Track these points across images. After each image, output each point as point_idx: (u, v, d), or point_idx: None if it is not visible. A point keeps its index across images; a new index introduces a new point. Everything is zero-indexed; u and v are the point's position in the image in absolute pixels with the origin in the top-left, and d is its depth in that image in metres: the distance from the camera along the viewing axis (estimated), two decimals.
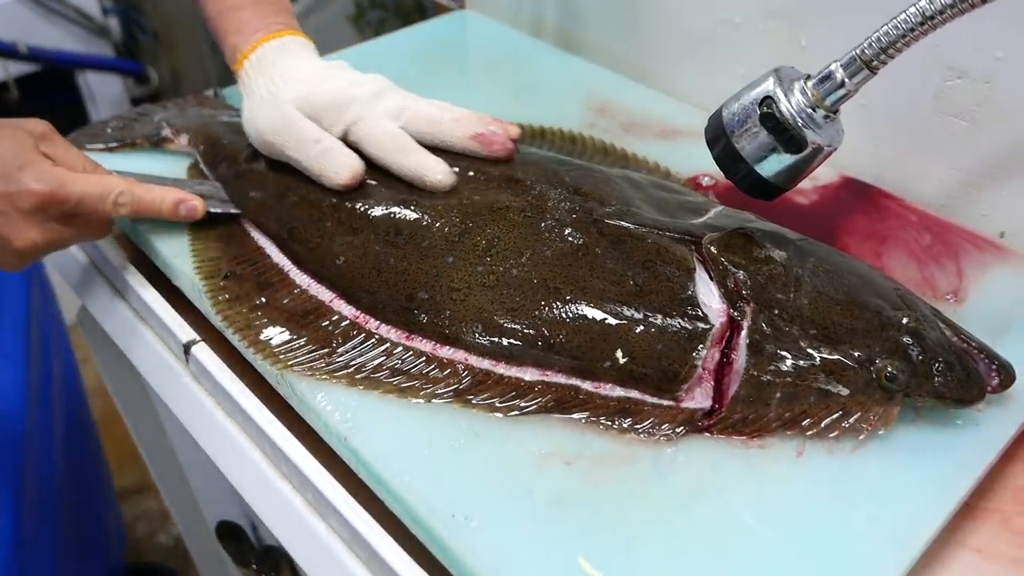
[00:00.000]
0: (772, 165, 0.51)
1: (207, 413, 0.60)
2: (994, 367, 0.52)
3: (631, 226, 0.57)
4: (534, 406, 0.51)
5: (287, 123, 0.63)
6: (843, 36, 0.71)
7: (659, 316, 0.52)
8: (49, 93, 1.86)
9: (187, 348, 0.61)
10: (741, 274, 0.54)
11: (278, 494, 0.55)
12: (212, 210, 0.64)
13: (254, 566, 0.79)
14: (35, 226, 0.57)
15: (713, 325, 0.52)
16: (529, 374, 0.53)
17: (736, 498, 0.46)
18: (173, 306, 0.64)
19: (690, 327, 0.52)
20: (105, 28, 1.86)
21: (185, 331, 0.62)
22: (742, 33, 0.79)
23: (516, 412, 0.51)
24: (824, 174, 0.74)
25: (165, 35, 1.94)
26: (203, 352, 0.60)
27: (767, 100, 0.50)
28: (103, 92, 1.90)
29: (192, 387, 0.62)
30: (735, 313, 0.53)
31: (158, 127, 0.74)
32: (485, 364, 0.54)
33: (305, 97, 0.64)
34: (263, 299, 0.59)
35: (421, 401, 0.52)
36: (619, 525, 0.44)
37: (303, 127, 0.63)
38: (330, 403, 0.52)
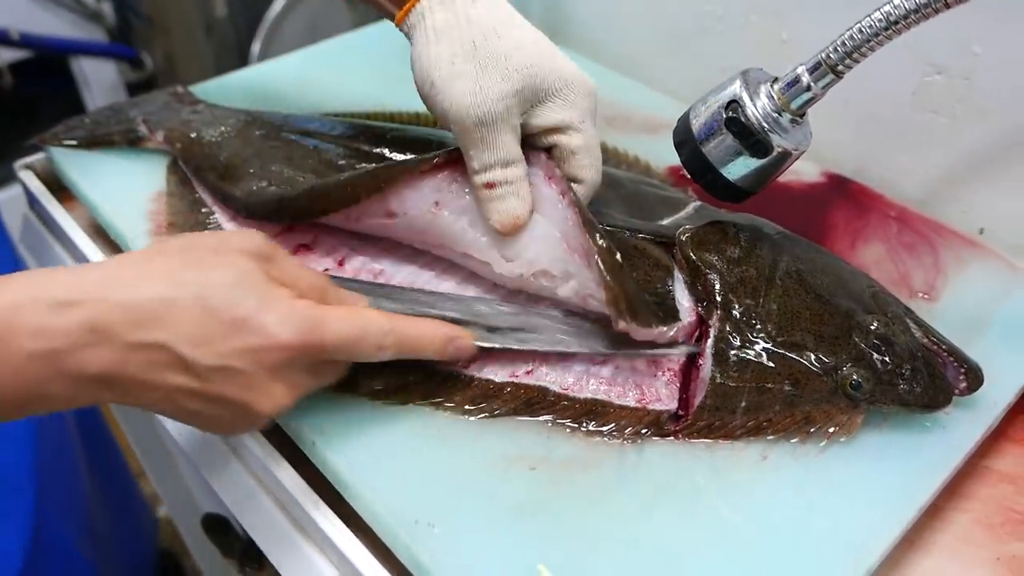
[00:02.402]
0: (738, 169, 0.51)
1: None
2: (962, 370, 0.52)
3: (607, 228, 0.57)
4: (504, 409, 0.52)
5: (487, 123, 0.50)
6: (824, 30, 0.70)
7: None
8: (43, 79, 1.86)
9: None
10: (711, 276, 0.53)
11: (251, 492, 0.55)
12: (482, 344, 0.52)
13: (238, 558, 0.80)
14: (281, 383, 0.44)
15: (682, 320, 0.52)
16: (499, 376, 0.53)
17: (698, 505, 0.46)
18: None
19: (665, 304, 0.52)
20: (98, 13, 1.85)
21: None
22: (724, 26, 0.78)
23: (486, 415, 0.51)
24: (804, 168, 0.74)
25: (159, 20, 1.93)
26: None
27: (733, 104, 0.49)
28: (97, 78, 1.89)
29: None
30: (703, 311, 0.53)
31: (133, 125, 0.74)
32: (456, 366, 0.54)
33: (530, 76, 0.50)
34: None
35: (388, 405, 0.52)
36: (580, 532, 0.45)
37: (505, 141, 0.51)
38: (301, 407, 0.52)
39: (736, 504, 0.46)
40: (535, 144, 0.54)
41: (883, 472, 0.48)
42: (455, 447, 0.49)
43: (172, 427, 0.63)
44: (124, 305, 0.41)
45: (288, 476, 0.52)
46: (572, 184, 0.53)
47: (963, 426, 0.51)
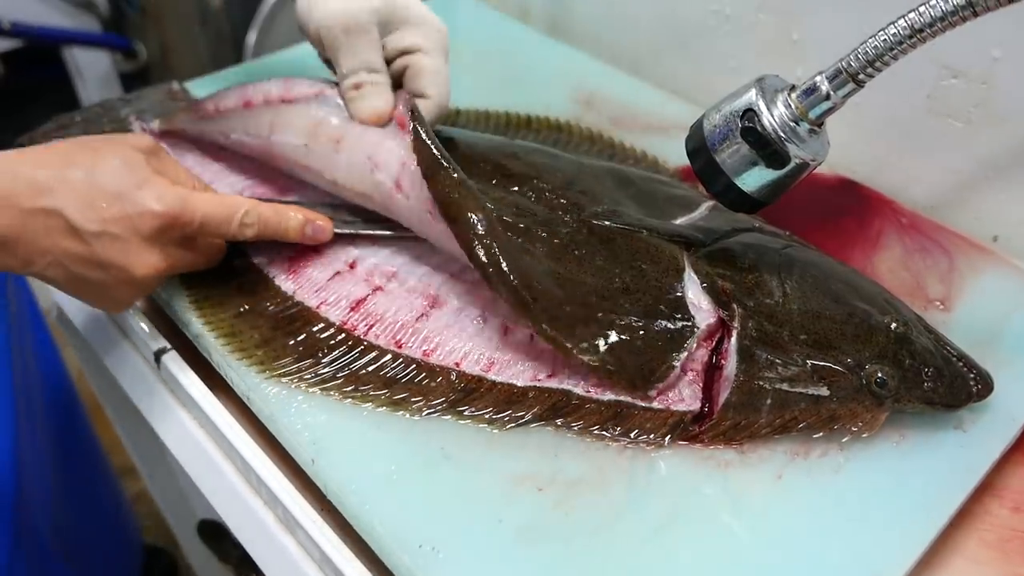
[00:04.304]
0: (754, 179, 0.49)
1: (178, 422, 0.59)
2: (972, 376, 0.51)
3: (620, 227, 0.56)
4: (529, 416, 0.50)
5: (352, 29, 0.57)
6: (835, 31, 0.69)
7: (643, 315, 0.51)
8: (35, 69, 1.83)
9: (158, 356, 0.60)
10: (729, 282, 0.53)
11: (249, 509, 0.54)
12: (338, 230, 0.60)
13: (235, 565, 0.78)
14: (155, 250, 0.52)
15: (699, 326, 0.51)
16: (521, 379, 0.52)
17: (710, 529, 0.45)
18: (146, 312, 0.63)
19: (674, 327, 0.51)
20: (91, 2, 1.83)
21: (156, 339, 0.61)
22: (733, 25, 0.76)
23: (512, 424, 0.50)
24: (816, 171, 0.72)
25: (153, 9, 1.90)
26: (174, 361, 0.59)
27: (749, 113, 0.48)
28: (90, 68, 1.86)
29: (164, 395, 0.61)
30: (725, 314, 0.52)
31: (126, 124, 0.72)
32: (477, 370, 0.52)
33: (390, 2, 0.58)
34: (247, 305, 0.58)
35: (409, 415, 0.51)
36: (590, 557, 0.43)
37: (367, 49, 0.57)
38: (299, 421, 0.51)
39: (750, 527, 0.45)
40: (392, 70, 0.59)
41: (900, 493, 0.47)
42: (461, 466, 0.48)
43: (168, 440, 0.61)
44: (26, 178, 0.48)
45: (285, 491, 0.50)
46: (418, 100, 0.58)
47: (982, 443, 0.50)
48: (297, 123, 0.60)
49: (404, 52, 0.59)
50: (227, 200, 0.55)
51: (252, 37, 1.75)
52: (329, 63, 0.62)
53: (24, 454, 0.89)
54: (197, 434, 0.58)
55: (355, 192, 0.59)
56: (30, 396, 0.98)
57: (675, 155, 0.72)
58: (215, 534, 0.81)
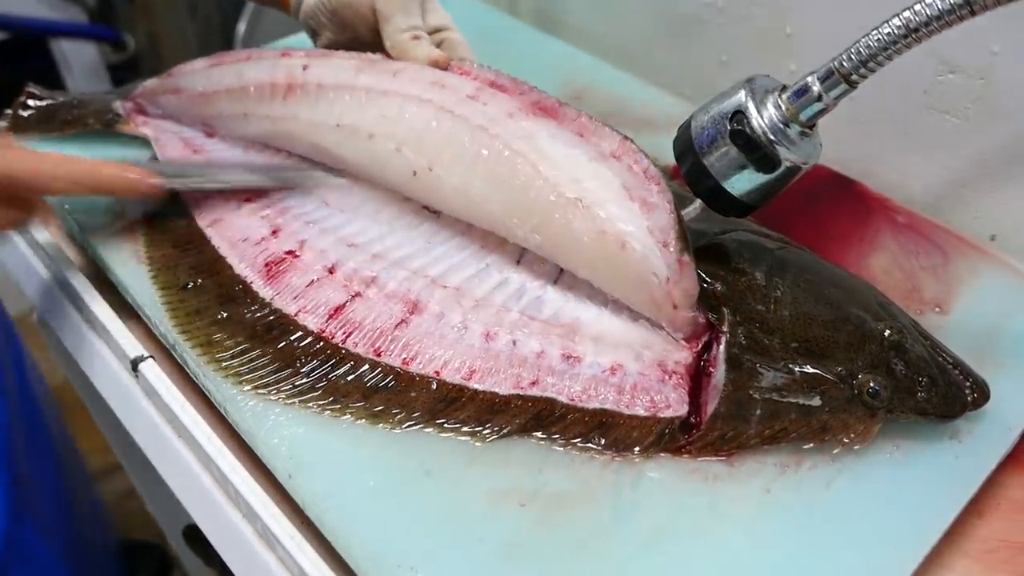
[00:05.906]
0: (743, 183, 0.48)
1: (157, 431, 0.58)
2: (968, 384, 0.50)
3: None
4: (512, 427, 0.49)
5: None
6: (830, 25, 0.67)
7: None
8: (21, 61, 1.80)
9: (135, 364, 0.58)
10: (719, 285, 0.51)
11: (228, 521, 0.53)
12: (168, 184, 0.60)
13: (219, 570, 0.77)
14: None
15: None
16: (504, 388, 0.50)
17: (697, 547, 0.44)
18: (125, 319, 0.61)
19: None
20: None
21: (134, 346, 0.59)
22: (725, 18, 0.74)
23: (494, 436, 0.49)
24: None
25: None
26: (151, 369, 0.58)
27: (738, 115, 0.46)
28: (78, 59, 1.83)
29: (142, 403, 0.59)
30: (714, 319, 0.50)
31: (109, 106, 0.72)
32: (458, 379, 0.51)
33: None
34: (225, 313, 0.56)
35: (389, 427, 0.49)
36: None
37: (418, 14, 0.64)
38: (276, 435, 0.49)
39: (738, 547, 0.44)
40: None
41: (892, 508, 0.46)
42: (441, 480, 0.46)
43: (147, 449, 0.60)
44: None
45: (263, 505, 0.49)
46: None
47: (977, 455, 0.48)
48: (341, 63, 0.63)
49: (437, 29, 0.66)
50: (34, 155, 0.56)
51: (242, 27, 1.72)
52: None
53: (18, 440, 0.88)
54: (176, 444, 0.56)
55: (409, 95, 0.59)
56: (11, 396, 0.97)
57: (666, 151, 0.70)
58: (201, 539, 0.80)
